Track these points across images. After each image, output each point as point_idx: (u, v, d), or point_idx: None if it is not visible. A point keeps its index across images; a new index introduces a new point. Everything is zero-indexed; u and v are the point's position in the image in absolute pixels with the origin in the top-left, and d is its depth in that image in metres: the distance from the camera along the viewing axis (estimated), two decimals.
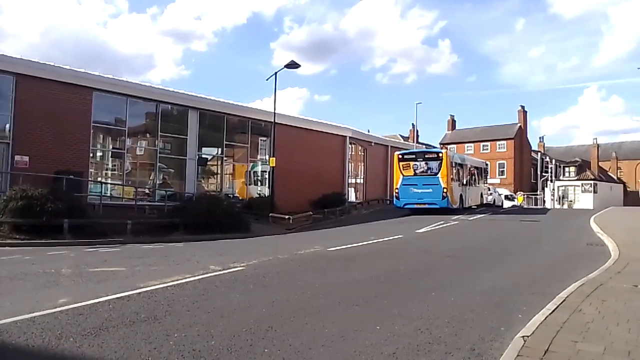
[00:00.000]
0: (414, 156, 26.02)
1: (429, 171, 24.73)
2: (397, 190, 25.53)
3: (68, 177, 16.98)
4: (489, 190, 37.45)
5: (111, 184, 21.83)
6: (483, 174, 33.50)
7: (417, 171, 25.00)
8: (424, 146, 49.64)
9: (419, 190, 24.48)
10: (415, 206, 24.60)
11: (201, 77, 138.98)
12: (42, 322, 5.00)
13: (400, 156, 25.99)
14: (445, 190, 24.02)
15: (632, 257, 9.71)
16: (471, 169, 29.81)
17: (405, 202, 25.06)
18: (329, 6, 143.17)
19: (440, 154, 25.67)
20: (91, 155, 20.24)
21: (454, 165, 26.02)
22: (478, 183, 31.55)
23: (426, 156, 25.81)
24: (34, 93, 17.80)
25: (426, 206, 24.15)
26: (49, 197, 13.80)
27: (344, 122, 34.14)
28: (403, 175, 25.22)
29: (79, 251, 11.53)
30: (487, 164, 37.13)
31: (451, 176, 24.96)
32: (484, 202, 33.00)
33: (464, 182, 27.73)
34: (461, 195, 26.55)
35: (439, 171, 24.43)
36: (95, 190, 20.00)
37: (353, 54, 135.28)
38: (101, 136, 22.04)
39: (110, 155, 22.93)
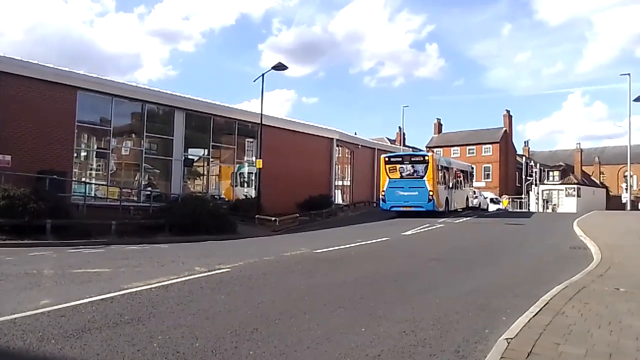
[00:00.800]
0: (400, 159, 26.15)
1: (415, 174, 24.86)
2: (383, 193, 25.59)
3: (51, 177, 16.72)
4: (475, 193, 37.78)
5: (95, 184, 21.57)
6: (469, 178, 33.83)
7: (403, 174, 25.13)
8: (410, 149, 49.87)
9: (405, 193, 24.60)
10: (402, 209, 24.66)
11: (188, 78, 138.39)
12: (24, 323, 4.93)
13: (386, 159, 26.09)
14: (431, 193, 24.19)
15: (614, 260, 9.84)
16: (457, 172, 30.06)
17: (391, 204, 25.14)
18: (318, 8, 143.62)
19: (427, 157, 25.77)
20: (75, 155, 19.97)
21: (440, 168, 26.23)
22: (464, 186, 31.84)
23: (412, 159, 25.93)
24: (17, 91, 17.51)
25: (412, 209, 24.22)
26: (32, 197, 13.60)
27: (331, 125, 34.21)
28: (389, 178, 25.32)
29: (62, 252, 11.38)
30: (472, 168, 37.55)
31: (437, 179, 25.12)
32: (470, 205, 33.27)
33: (450, 185, 27.97)
34: (447, 199, 26.74)
35: (425, 174, 24.56)
36: (79, 191, 19.72)
37: (341, 56, 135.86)
38: (86, 136, 21.78)
39: (94, 155, 22.67)
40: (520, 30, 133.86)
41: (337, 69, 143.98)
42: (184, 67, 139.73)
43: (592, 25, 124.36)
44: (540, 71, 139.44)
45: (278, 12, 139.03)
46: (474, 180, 38.48)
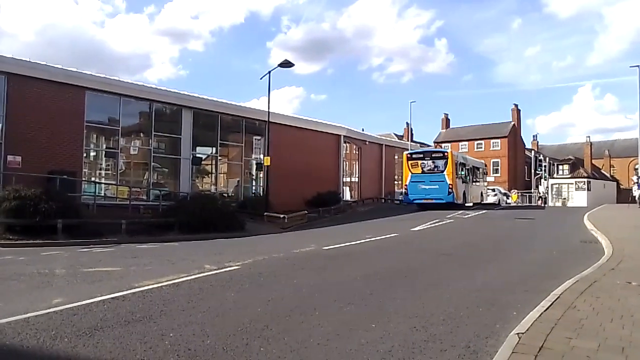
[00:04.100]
0: (421, 155, 27.93)
1: (435, 169, 26.48)
2: (406, 187, 27.36)
3: (61, 177, 16.87)
4: (494, 191, 39.01)
5: (105, 183, 21.73)
6: (482, 174, 35.25)
7: (424, 169, 26.76)
8: (418, 145, 49.83)
9: (427, 187, 26.18)
10: (423, 201, 26.06)
11: (198, 77, 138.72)
12: (37, 322, 4.97)
13: (408, 155, 27.94)
14: (450, 186, 25.68)
15: (625, 254, 9.76)
16: (472, 169, 31.58)
17: (414, 197, 26.69)
18: (326, 5, 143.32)
19: (446, 153, 27.28)
20: (85, 155, 20.15)
21: (458, 164, 27.60)
22: (478, 182, 33.46)
23: (433, 155, 27.70)
24: (27, 92, 17.69)
25: (433, 201, 25.67)
26: (43, 197, 13.71)
27: (339, 121, 34.35)
28: (411, 173, 26.97)
29: (73, 251, 11.46)
30: (485, 165, 38.37)
31: (456, 174, 26.52)
32: (484, 200, 34.39)
33: (467, 180, 29.29)
34: (464, 192, 28.12)
35: (445, 169, 26.10)
36: (89, 190, 19.89)
37: (350, 53, 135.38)
38: (94, 136, 21.94)
39: (103, 155, 22.84)
40: (529, 24, 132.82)
41: (345, 66, 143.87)
42: (194, 67, 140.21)
43: (602, 18, 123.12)
44: (550, 65, 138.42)
45: (287, 9, 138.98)
46: (486, 177, 39.21)
